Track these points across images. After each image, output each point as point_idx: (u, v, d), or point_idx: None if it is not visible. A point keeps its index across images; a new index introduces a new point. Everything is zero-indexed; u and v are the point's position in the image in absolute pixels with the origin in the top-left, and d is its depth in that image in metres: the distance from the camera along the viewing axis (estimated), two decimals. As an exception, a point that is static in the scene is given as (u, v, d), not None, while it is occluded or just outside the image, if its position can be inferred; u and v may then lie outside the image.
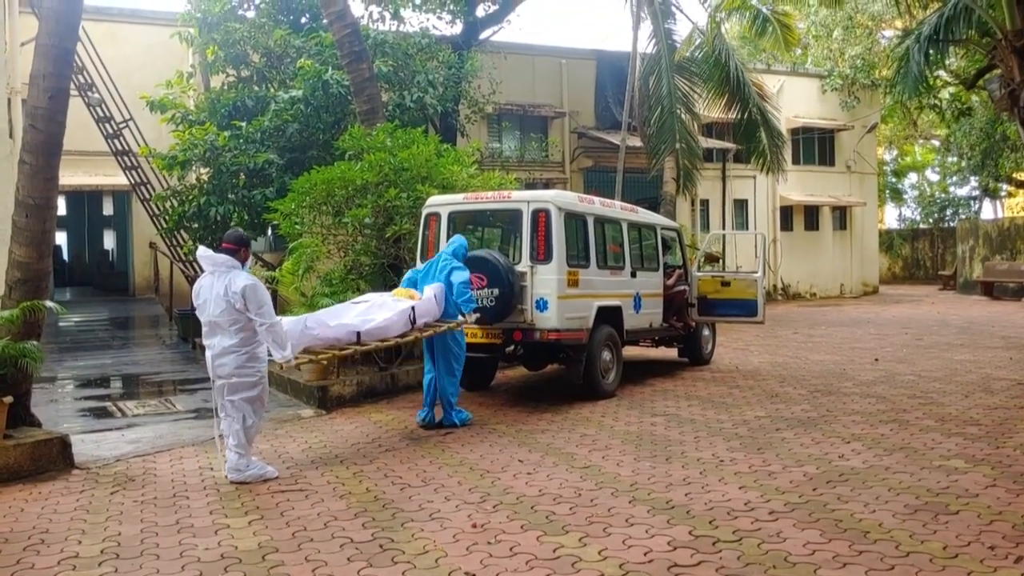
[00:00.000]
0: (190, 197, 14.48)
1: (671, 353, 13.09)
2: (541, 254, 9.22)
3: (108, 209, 28.48)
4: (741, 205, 27.75)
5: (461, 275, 8.45)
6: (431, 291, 8.32)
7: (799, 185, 28.67)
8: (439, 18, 17.72)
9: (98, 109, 16.66)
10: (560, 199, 9.50)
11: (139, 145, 16.28)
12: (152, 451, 7.82)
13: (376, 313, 7.73)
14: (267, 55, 15.26)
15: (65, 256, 29.01)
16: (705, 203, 26.73)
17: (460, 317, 8.40)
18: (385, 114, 13.57)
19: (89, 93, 16.52)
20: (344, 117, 13.77)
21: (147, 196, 17.02)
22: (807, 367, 12.35)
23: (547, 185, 23.97)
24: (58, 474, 6.96)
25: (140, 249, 20.27)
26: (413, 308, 8.01)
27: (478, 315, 8.55)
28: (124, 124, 16.99)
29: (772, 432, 7.99)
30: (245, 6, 15.73)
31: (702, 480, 6.35)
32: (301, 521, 5.59)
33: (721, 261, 23.73)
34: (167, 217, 15.36)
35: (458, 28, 18.50)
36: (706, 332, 12.87)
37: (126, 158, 17.10)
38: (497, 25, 19.35)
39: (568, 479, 6.45)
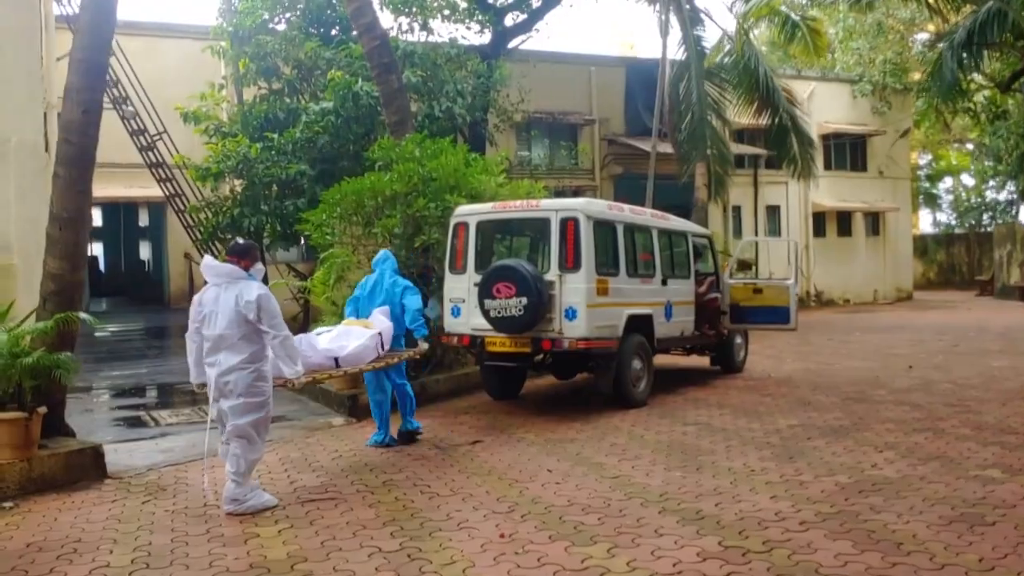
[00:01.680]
0: (224, 208, 14.65)
1: (703, 361, 13.00)
2: (570, 262, 9.20)
3: (144, 220, 28.83)
4: (773, 211, 27.56)
5: (415, 301, 8.14)
6: (384, 316, 8.01)
7: (831, 191, 28.41)
8: (468, 28, 17.79)
9: (132, 122, 16.91)
10: (589, 207, 9.48)
11: (173, 157, 16.47)
12: (184, 460, 7.88)
13: (347, 340, 7.42)
14: (298, 67, 15.41)
15: (102, 267, 29.44)
16: (737, 209, 26.60)
17: (422, 344, 8.25)
18: (414, 124, 13.63)
19: (124, 106, 16.78)
20: (374, 128, 13.85)
21: (181, 207, 17.23)
22: (840, 374, 12.21)
23: (577, 193, 23.96)
24: (91, 483, 7.04)
25: (175, 260, 20.53)
26: (380, 334, 7.73)
27: (429, 343, 8.36)
28: (158, 136, 17.22)
29: (804, 441, 7.90)
30: (276, 19, 15.89)
31: (732, 490, 6.29)
32: (330, 530, 5.61)
33: (754, 268, 23.56)
34: (201, 228, 15.53)
35: (487, 38, 18.55)
36: (738, 340, 12.76)
37: (160, 170, 17.35)
38: (525, 34, 19.39)
39: (597, 489, 6.42)
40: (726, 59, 21.56)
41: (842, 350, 15.40)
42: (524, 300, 9.00)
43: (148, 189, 18.71)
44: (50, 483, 6.93)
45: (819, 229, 28.69)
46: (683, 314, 11.15)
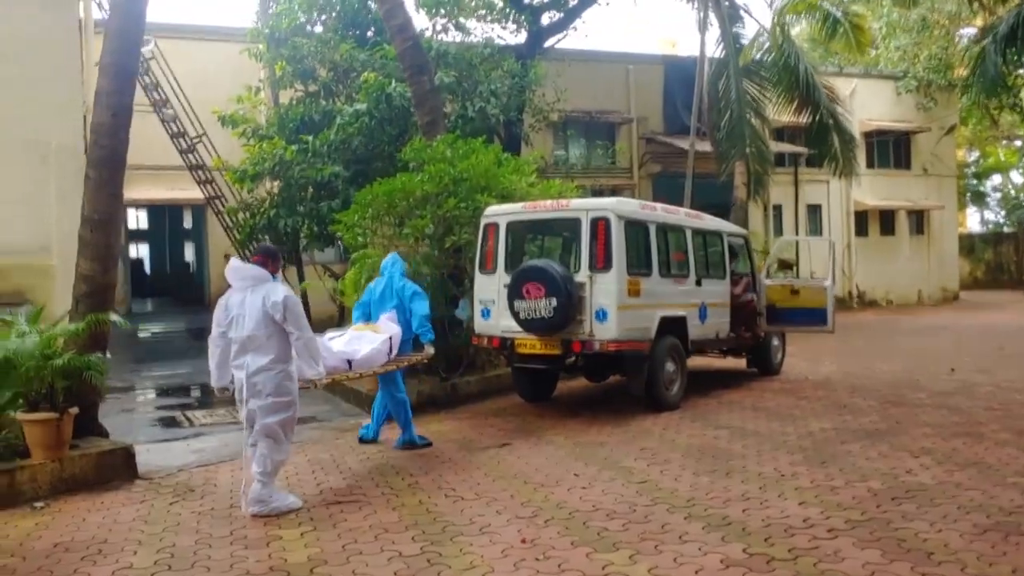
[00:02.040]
0: (261, 210, 14.76)
1: (740, 363, 12.82)
2: (600, 263, 9.11)
3: (188, 222, 29.23)
4: (814, 210, 27.16)
5: (423, 306, 8.17)
6: (392, 321, 8.04)
7: (874, 189, 27.92)
8: (504, 28, 17.76)
9: (172, 124, 17.11)
10: (620, 206, 9.38)
11: (212, 159, 16.65)
12: (215, 461, 7.95)
13: (359, 344, 7.48)
14: (334, 69, 15.49)
15: (147, 268, 29.88)
16: (778, 208, 26.26)
17: (428, 349, 8.24)
18: (447, 125, 13.62)
19: (164, 109, 16.99)
20: (407, 129, 13.87)
21: (221, 209, 17.41)
22: (879, 377, 11.97)
23: (615, 192, 23.84)
24: (121, 484, 7.11)
25: (216, 261, 20.68)
26: (391, 339, 7.78)
27: (433, 349, 8.36)
28: (198, 139, 17.40)
29: (837, 445, 7.74)
30: (312, 22, 15.98)
31: (761, 495, 6.17)
32: (353, 533, 5.59)
33: (795, 268, 23.23)
34: (239, 229, 15.66)
35: (522, 37, 18.50)
36: (775, 341, 12.57)
37: (200, 172, 17.53)
38: (562, 33, 19.29)
39: (623, 494, 6.33)
40: (766, 57, 21.25)
41: (882, 352, 15.11)
42: (554, 301, 8.93)
43: (191, 191, 18.92)
44: (81, 483, 7.02)
45: (861, 228, 28.21)
46: (718, 315, 10.99)
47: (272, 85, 16.23)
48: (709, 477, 6.75)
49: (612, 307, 9.04)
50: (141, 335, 18.37)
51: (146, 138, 17.15)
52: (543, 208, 9.75)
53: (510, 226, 9.78)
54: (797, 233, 25.80)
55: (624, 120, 24.05)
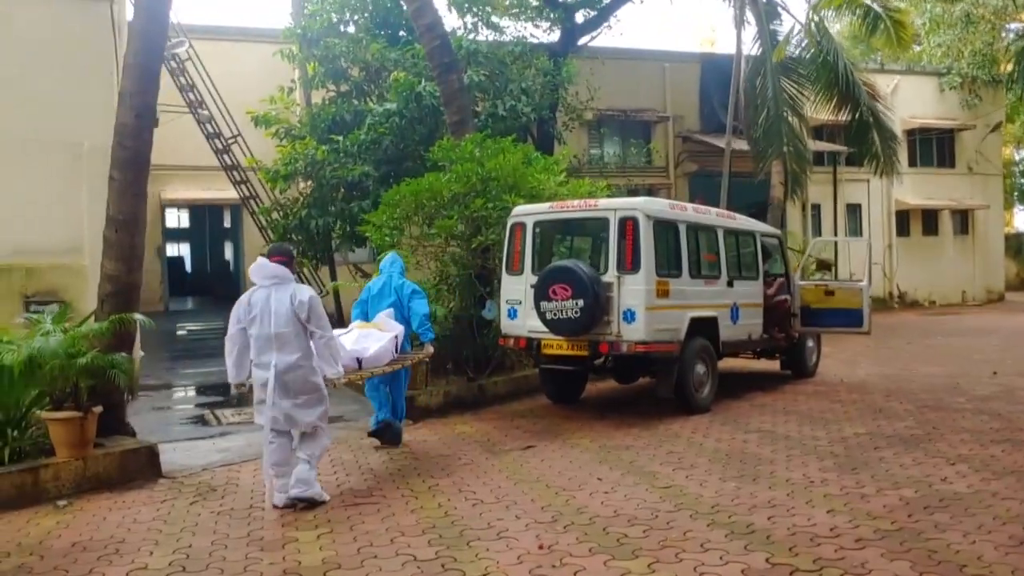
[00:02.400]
0: (294, 210, 14.79)
1: (774, 365, 12.58)
2: (629, 263, 8.97)
3: (227, 222, 29.51)
4: (854, 210, 26.68)
5: (422, 305, 8.26)
6: (390, 318, 8.07)
7: (916, 188, 27.36)
8: (536, 26, 17.62)
9: (208, 125, 17.20)
10: (648, 206, 9.23)
11: (245, 159, 16.72)
12: (239, 460, 7.95)
13: (368, 342, 7.52)
14: (365, 69, 15.48)
15: (188, 267, 30.24)
16: (816, 208, 25.84)
17: (427, 347, 8.29)
18: (477, 124, 13.53)
19: (199, 110, 17.08)
20: (437, 128, 13.80)
21: (255, 209, 17.48)
22: (917, 380, 11.67)
23: (651, 191, 23.61)
24: (145, 483, 7.13)
25: (251, 260, 20.77)
26: (396, 336, 7.82)
27: (432, 348, 8.40)
28: (233, 140, 17.48)
29: (870, 451, 7.53)
30: (345, 22, 15.99)
31: (788, 502, 6.00)
32: (369, 536, 5.53)
33: (833, 269, 22.84)
34: (273, 229, 15.72)
35: (556, 36, 18.36)
36: (810, 343, 12.32)
37: (235, 172, 17.61)
38: (595, 31, 19.11)
39: (646, 499, 6.20)
40: (804, 54, 20.90)
41: (922, 354, 14.76)
42: (580, 302, 8.81)
43: (230, 191, 19.01)
44: (105, 482, 7.04)
45: (903, 228, 27.66)
46: (750, 317, 10.79)
47: (304, 85, 16.26)
48: (736, 483, 6.59)
49: (640, 308, 8.89)
50: (179, 333, 18.55)
51: (186, 139, 17.36)
52: (571, 208, 9.63)
53: (537, 226, 9.67)
54: (836, 233, 25.35)
55: (660, 118, 23.82)
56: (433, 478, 7.03)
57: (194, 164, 19.30)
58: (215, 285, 27.13)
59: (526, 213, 9.73)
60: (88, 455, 7.04)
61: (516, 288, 9.67)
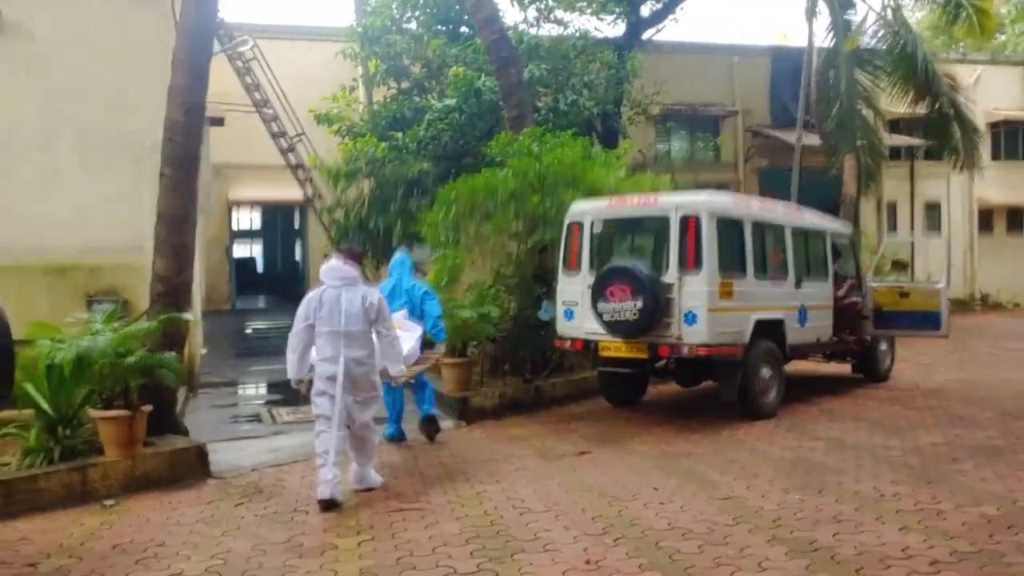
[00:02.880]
0: (354, 209, 14.74)
1: (845, 369, 12.05)
2: (690, 263, 8.62)
3: (297, 221, 29.80)
4: (933, 207, 25.62)
5: (435, 307, 8.41)
6: (404, 319, 8.18)
7: (1001, 184, 26.14)
8: (600, 19, 17.28)
9: (272, 124, 17.29)
10: (712, 203, 8.85)
11: (307, 158, 16.74)
12: (289, 461, 7.84)
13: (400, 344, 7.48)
14: (426, 65, 15.35)
15: (260, 266, 30.66)
16: (892, 205, 24.90)
17: (439, 347, 8.51)
18: (537, 119, 13.28)
19: (264, 109, 17.18)
20: (497, 124, 13.57)
21: (318, 208, 17.52)
22: (1000, 386, 11.04)
23: (719, 187, 23.03)
24: (193, 483, 7.07)
25: (315, 259, 20.88)
26: (420, 337, 8.02)
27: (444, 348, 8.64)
28: (297, 139, 17.55)
29: (948, 463, 7.06)
30: (406, 19, 15.88)
31: (856, 518, 5.62)
32: (410, 545, 5.33)
33: (909, 269, 22.00)
34: (335, 228, 15.72)
35: (620, 29, 17.99)
36: (883, 346, 11.76)
37: (300, 171, 17.67)
38: (661, 24, 18.67)
39: (704, 511, 5.88)
40: (880, 44, 20.14)
41: (1005, 359, 14.02)
42: (639, 303, 8.50)
43: (298, 191, 19.11)
44: (154, 481, 7.00)
45: (986, 226, 26.48)
46: (819, 318, 10.32)
47: (367, 83, 16.20)
48: (800, 494, 6.22)
49: (702, 310, 8.54)
50: (247, 331, 18.72)
51: (255, 138, 17.47)
52: (630, 205, 9.31)
53: (595, 224, 9.38)
54: (913, 231, 24.38)
55: (728, 113, 23.24)
56: (481, 484, 6.81)
57: (262, 163, 19.46)
58: (285, 284, 27.41)
59: (584, 210, 9.44)
60: (137, 454, 7.00)
61: (573, 288, 9.40)
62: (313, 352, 6.66)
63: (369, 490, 6.66)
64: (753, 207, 9.55)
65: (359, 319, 6.55)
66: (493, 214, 10.19)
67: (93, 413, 7.01)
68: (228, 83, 17.30)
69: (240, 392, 12.14)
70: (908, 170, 24.76)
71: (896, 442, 7.90)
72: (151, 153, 10.70)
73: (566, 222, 9.53)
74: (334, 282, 6.63)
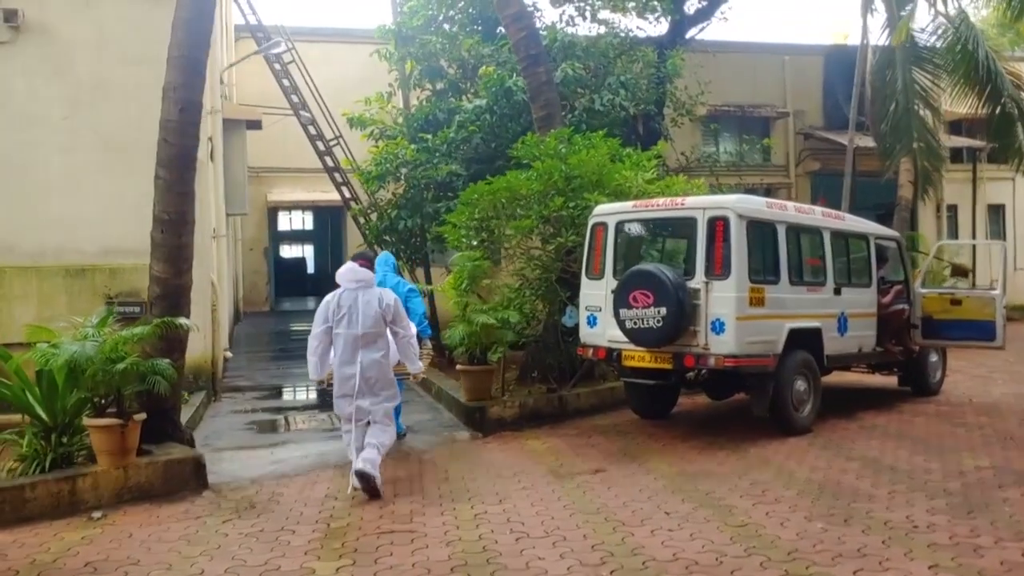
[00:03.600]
0: (386, 211, 14.48)
1: (892, 381, 11.37)
2: (718, 268, 8.12)
3: (347, 223, 29.73)
4: (996, 211, 24.52)
5: (419, 304, 8.60)
6: None
7: (1070, 187, 24.92)
8: (642, 17, 16.75)
9: (310, 128, 17.14)
10: (741, 205, 8.33)
11: (341, 161, 16.55)
12: (292, 473, 7.56)
13: None
14: (462, 66, 15.02)
15: (311, 268, 30.75)
16: (953, 209, 23.89)
17: (426, 343, 8.72)
18: (571, 119, 12.84)
19: (303, 112, 17.05)
20: (531, 125, 13.18)
21: (361, 210, 17.29)
22: (1063, 404, 10.30)
23: (769, 191, 22.35)
24: (187, 495, 6.80)
25: (355, 262, 20.73)
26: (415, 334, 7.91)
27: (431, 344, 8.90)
28: (335, 142, 17.38)
29: (993, 490, 6.46)
30: (443, 19, 15.56)
31: (881, 552, 5.09)
32: (392, 571, 4.99)
33: (970, 275, 21.00)
34: (369, 230, 15.48)
35: (663, 27, 17.44)
36: (934, 358, 11.06)
37: (338, 174, 17.50)
38: (705, 22, 18.05)
39: (715, 540, 5.40)
40: (940, 42, 19.27)
41: (1071, 372, 13.16)
42: (663, 310, 8.02)
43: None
44: (146, 493, 6.76)
45: (1054, 230, 25.30)
46: (861, 328, 9.70)
47: (403, 84, 15.93)
48: (823, 523, 5.70)
49: (730, 318, 8.02)
50: (281, 333, 18.65)
51: (300, 141, 17.33)
52: (655, 207, 8.83)
53: (619, 226, 8.93)
54: (974, 236, 23.33)
55: (779, 114, 22.52)
56: (484, 504, 6.41)
57: (304, 166, 19.37)
58: (334, 285, 27.38)
59: (608, 212, 8.99)
60: (130, 464, 6.76)
61: (596, 293, 8.95)
62: (332, 354, 6.93)
63: (369, 482, 6.54)
64: (788, 209, 9.00)
65: (376, 321, 6.80)
66: (515, 216, 9.78)
67: (86, 421, 6.79)
68: (268, 86, 17.24)
69: (263, 397, 11.90)
70: (970, 173, 23.70)
71: (937, 465, 7.29)
72: (172, 155, 10.65)
73: (590, 224, 9.09)
74: (350, 284, 6.92)
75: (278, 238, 28.10)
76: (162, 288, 7.10)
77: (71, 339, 6.81)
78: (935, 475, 6.94)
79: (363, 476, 6.51)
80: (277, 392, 12.35)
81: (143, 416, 6.86)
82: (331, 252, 30.68)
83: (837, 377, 10.48)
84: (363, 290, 6.89)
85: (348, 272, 7.02)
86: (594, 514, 6.07)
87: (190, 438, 7.85)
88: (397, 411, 8.03)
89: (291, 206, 21.68)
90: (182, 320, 6.93)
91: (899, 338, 10.37)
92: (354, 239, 19.79)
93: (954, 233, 23.61)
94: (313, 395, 12.07)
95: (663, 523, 5.82)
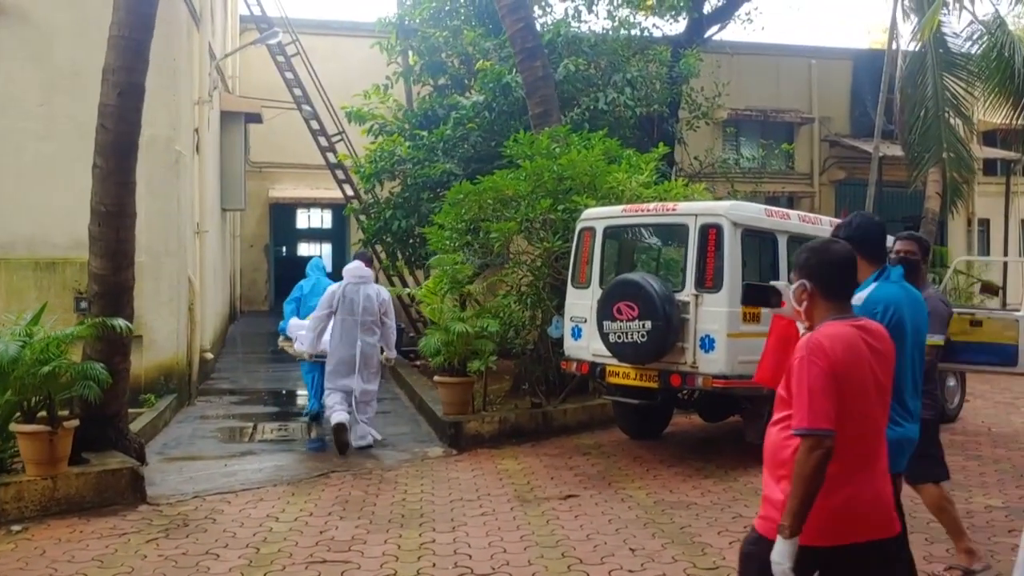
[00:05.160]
0: (380, 211, 13.95)
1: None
2: (709, 280, 7.49)
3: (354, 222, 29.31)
4: (1031, 226, 23.59)
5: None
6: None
7: (1109, 203, 23.90)
8: (659, 16, 16.11)
9: (312, 123, 16.67)
10: (736, 212, 7.67)
11: (337, 156, 16.05)
12: (239, 488, 7.02)
13: None
14: (464, 61, 14.46)
15: (329, 267, 30.26)
16: (985, 223, 22.99)
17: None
18: (573, 117, 12.23)
19: (305, 106, 16.58)
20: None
21: (357, 209, 16.81)
22: (1089, 436, 9.53)
23: (791, 201, 21.60)
24: (121, 509, 6.32)
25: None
26: None
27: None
28: (338, 137, 16.89)
29: (1001, 534, 5.80)
30: (447, 13, 14.99)
31: (863, 612, 4.43)
32: (305, 612, 4.41)
33: (1000, 292, 20.09)
34: (364, 230, 14.98)
35: (681, 26, 16.76)
36: (951, 382, 10.31)
37: (340, 171, 17.01)
38: (725, 21, 17.35)
39: (677, 585, 4.79)
40: (975, 48, 18.43)
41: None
42: (648, 324, 7.40)
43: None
44: (76, 505, 6.29)
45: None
46: (870, 348, 8.99)
47: (405, 77, 15.41)
48: (803, 571, 5.05)
49: (721, 334, 7.39)
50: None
51: (305, 137, 16.87)
52: (645, 212, 8.21)
53: (608, 232, 8.32)
54: (1006, 252, 22.39)
55: (804, 120, 21.74)
56: (435, 531, 5.85)
57: (303, 162, 18.95)
58: None
59: (595, 217, 8.38)
60: (59, 474, 6.29)
61: (582, 303, 8.34)
62: (326, 337, 8.48)
63: (368, 447, 8.26)
64: (791, 219, 8.33)
65: (374, 311, 8.34)
66: (503, 218, 9.20)
67: (14, 427, 6.31)
68: (273, 79, 16.80)
69: (241, 402, 11.37)
70: (1004, 186, 22.78)
71: (943, 502, 6.59)
72: (148, 146, 10.11)
73: (577, 228, 8.49)
74: (354, 279, 8.41)
75: (296, 236, 27.70)
76: (100, 285, 6.60)
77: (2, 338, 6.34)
78: (938, 516, 6.25)
79: (363, 448, 8.22)
80: (257, 397, 11.82)
81: (75, 423, 6.37)
82: (339, 251, 30.33)
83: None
84: (363, 285, 8.41)
85: (355, 269, 8.53)
86: (551, 548, 5.48)
87: (138, 447, 7.34)
88: (320, 392, 9.19)
89: (293, 203, 21.21)
90: (118, 321, 6.39)
91: (911, 359, 9.64)
92: (358, 238, 19.31)
93: (985, 249, 22.71)
94: (291, 402, 11.56)
95: (625, 562, 5.22)
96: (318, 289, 9.51)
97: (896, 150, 18.88)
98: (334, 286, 8.49)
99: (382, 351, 8.47)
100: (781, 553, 2.67)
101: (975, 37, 18.37)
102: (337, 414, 8.05)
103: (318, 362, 9.01)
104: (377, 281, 8.83)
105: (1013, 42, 17.43)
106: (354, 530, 5.87)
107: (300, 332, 9.34)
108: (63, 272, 10.12)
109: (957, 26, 18.17)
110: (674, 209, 7.99)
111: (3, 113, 10.00)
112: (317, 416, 9.56)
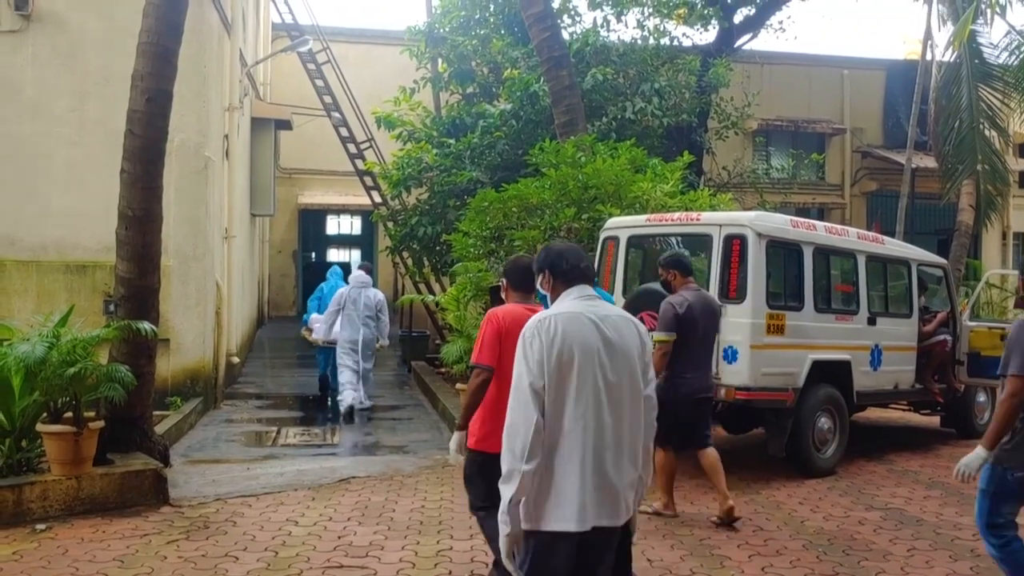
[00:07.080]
0: (407, 217, 14.02)
1: (934, 420, 10.51)
2: (732, 291, 7.43)
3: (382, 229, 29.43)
4: (1068, 240, 23.21)
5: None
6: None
7: None
8: (691, 26, 16.06)
9: (341, 129, 16.78)
10: (761, 223, 7.61)
11: (365, 164, 16.13)
12: (261, 491, 7.07)
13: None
14: (493, 69, 14.50)
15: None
16: (1020, 237, 22.66)
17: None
18: (600, 126, 12.23)
19: (334, 113, 16.69)
20: (560, 132, 12.60)
21: (384, 215, 16.88)
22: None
23: (821, 212, 21.43)
24: (144, 510, 6.40)
25: (385, 266, 20.30)
26: None
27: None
28: (367, 144, 16.99)
29: (1028, 556, 5.66)
30: (477, 22, 15.05)
31: (882, 629, 4.39)
32: (320, 617, 4.43)
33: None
34: (391, 236, 15.06)
35: (711, 36, 16.70)
36: (981, 398, 10.18)
37: (368, 177, 17.11)
38: (756, 30, 17.25)
39: (694, 599, 4.75)
40: (1013, 59, 18.18)
41: None
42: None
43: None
44: (100, 505, 6.37)
45: None
46: (898, 362, 8.89)
47: (434, 84, 15.48)
48: (822, 586, 5.01)
49: (743, 346, 7.33)
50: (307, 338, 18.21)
51: (335, 144, 17.00)
52: (669, 222, 8.15)
53: (631, 241, 8.29)
54: (1041, 267, 22.05)
55: (836, 131, 21.55)
56: (453, 539, 5.85)
57: (332, 169, 19.08)
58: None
59: (619, 226, 8.36)
60: (84, 474, 6.37)
61: (605, 313, 8.30)
62: (336, 327, 10.92)
63: (367, 409, 10.88)
64: (817, 230, 8.26)
65: (372, 309, 10.92)
66: (525, 227, 9.21)
67: (40, 427, 6.41)
68: (304, 86, 16.95)
69: (265, 407, 11.46)
70: (1040, 199, 22.45)
71: (969, 520, 6.43)
72: (179, 150, 10.29)
73: (601, 238, 8.47)
74: (357, 284, 10.99)
75: (326, 241, 27.86)
76: (127, 289, 6.68)
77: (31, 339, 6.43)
78: (965, 532, 6.17)
79: (350, 409, 10.61)
80: (282, 402, 11.91)
81: (100, 424, 6.45)
82: (368, 257, 30.42)
83: (875, 413, 9.67)
84: (364, 288, 11.00)
85: (358, 277, 11.11)
86: (567, 559, 5.45)
87: (162, 448, 7.43)
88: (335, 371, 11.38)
89: (322, 209, 21.36)
90: (144, 324, 6.47)
91: (942, 374, 9.53)
92: (386, 245, 19.37)
93: (1021, 262, 22.36)
94: (316, 409, 11.63)
95: (643, 573, 5.17)
96: (335, 291, 11.42)
97: (929, 162, 18.68)
98: (342, 289, 11.08)
99: (377, 340, 11.10)
100: (453, 440, 4.52)
101: (1012, 47, 18.13)
102: (349, 394, 10.63)
103: (329, 347, 11.41)
104: (403, 288, 9.39)
105: (1050, 51, 17.18)
106: (372, 536, 5.88)
107: (316, 324, 11.65)
108: (93, 275, 10.27)
109: (993, 37, 17.90)
110: (698, 219, 7.95)
111: (35, 118, 10.20)
112: (349, 412, 10.83)
